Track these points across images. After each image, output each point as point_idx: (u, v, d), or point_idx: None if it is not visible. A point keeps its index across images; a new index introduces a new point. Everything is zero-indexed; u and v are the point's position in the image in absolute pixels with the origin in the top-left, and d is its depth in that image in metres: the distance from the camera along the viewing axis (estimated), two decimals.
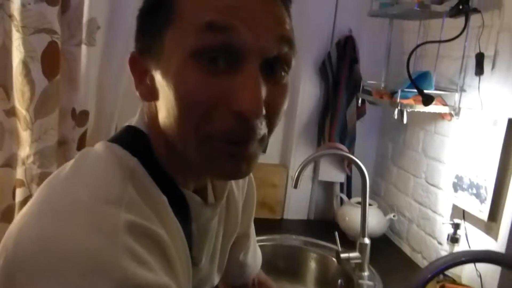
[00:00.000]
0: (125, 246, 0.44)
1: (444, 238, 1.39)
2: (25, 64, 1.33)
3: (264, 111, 0.48)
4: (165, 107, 0.52)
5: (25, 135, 1.39)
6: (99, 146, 0.56)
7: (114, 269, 0.42)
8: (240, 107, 0.47)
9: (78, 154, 0.56)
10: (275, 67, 0.51)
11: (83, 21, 1.40)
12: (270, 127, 0.53)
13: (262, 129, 0.51)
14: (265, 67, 0.50)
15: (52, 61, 1.36)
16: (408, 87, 1.34)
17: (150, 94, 0.55)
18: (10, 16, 1.29)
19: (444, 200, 1.42)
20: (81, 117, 1.48)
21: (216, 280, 0.76)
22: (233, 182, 0.74)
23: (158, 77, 0.52)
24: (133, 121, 0.60)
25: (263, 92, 0.48)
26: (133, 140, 0.57)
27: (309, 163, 1.37)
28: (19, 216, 0.49)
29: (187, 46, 0.48)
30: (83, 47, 1.43)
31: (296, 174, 1.34)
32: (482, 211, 1.18)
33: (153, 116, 0.56)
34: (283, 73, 0.52)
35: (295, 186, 1.35)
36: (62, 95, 1.43)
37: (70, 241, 0.43)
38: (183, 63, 0.49)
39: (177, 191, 0.57)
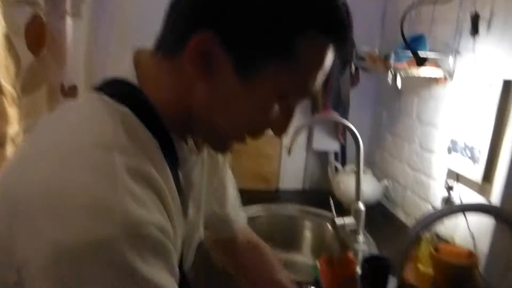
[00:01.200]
0: (125, 187, 0.46)
1: (438, 202, 1.39)
2: (7, 38, 1.29)
3: None
4: (213, 96, 0.56)
5: (12, 111, 1.37)
6: (82, 97, 0.57)
7: (117, 210, 0.44)
8: (277, 133, 0.62)
9: (64, 105, 0.57)
10: None
11: None
12: None
13: None
14: None
15: (36, 35, 1.33)
16: (402, 51, 1.32)
17: (207, 70, 0.54)
18: None
19: (438, 164, 1.42)
20: (70, 92, 1.46)
21: (202, 233, 0.77)
22: None
23: (231, 79, 0.54)
24: (118, 74, 0.59)
25: None
26: (120, 88, 0.57)
27: (302, 129, 1.36)
28: (13, 163, 0.52)
29: (285, 91, 0.56)
30: (69, 20, 1.39)
31: (290, 141, 1.33)
32: (476, 173, 1.18)
33: (173, 81, 0.57)
34: None
35: (289, 153, 1.34)
36: (49, 70, 1.40)
37: (73, 184, 0.45)
38: (272, 93, 0.56)
39: (167, 136, 0.58)
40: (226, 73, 0.54)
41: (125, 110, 0.53)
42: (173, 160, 0.58)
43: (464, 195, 1.27)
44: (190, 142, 0.66)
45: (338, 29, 0.56)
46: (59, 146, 0.49)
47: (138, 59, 0.59)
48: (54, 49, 1.39)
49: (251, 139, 0.62)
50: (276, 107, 0.58)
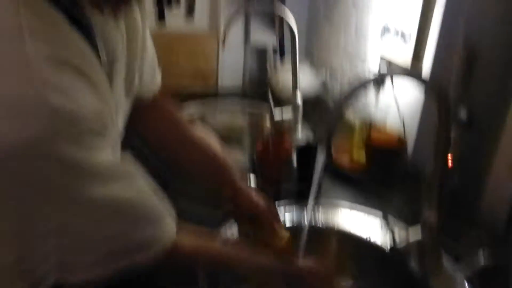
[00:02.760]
0: (43, 79, 0.43)
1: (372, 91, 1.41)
2: None
3: None
4: None
5: None
6: None
7: (39, 105, 0.42)
8: None
9: None
10: None
11: None
12: None
13: None
14: None
15: None
16: None
17: None
18: None
19: (373, 50, 1.41)
20: None
21: (126, 105, 0.71)
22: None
23: None
24: None
25: None
26: None
27: (236, 16, 1.29)
28: None
29: None
30: None
31: (223, 30, 1.28)
32: (407, 55, 1.18)
33: None
34: None
35: (223, 43, 1.29)
36: None
37: None
38: None
39: (76, 8, 0.52)
40: None
41: None
42: (89, 31, 0.53)
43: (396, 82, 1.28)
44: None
45: None
46: None
47: None
48: None
49: None
50: None
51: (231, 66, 1.84)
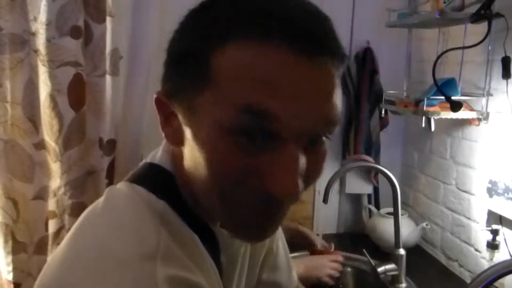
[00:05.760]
0: None
1: (481, 245, 1.37)
2: (52, 97, 1.35)
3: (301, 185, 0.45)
4: (192, 160, 0.49)
5: (55, 166, 1.41)
6: (124, 188, 0.53)
7: None
8: (273, 190, 0.44)
9: (106, 195, 0.53)
10: (317, 140, 0.48)
11: (106, 52, 1.43)
12: (307, 187, 0.49)
13: (296, 199, 0.46)
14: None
15: (78, 93, 1.39)
16: (433, 95, 1.34)
17: (177, 138, 0.51)
18: (36, 51, 1.32)
19: (479, 206, 1.40)
20: (108, 146, 1.50)
21: None
22: None
23: (187, 130, 0.49)
24: (156, 157, 0.57)
25: (301, 165, 0.45)
26: (157, 180, 0.55)
27: (338, 176, 1.37)
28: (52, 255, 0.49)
29: (224, 121, 0.44)
30: (107, 77, 1.45)
31: (325, 188, 1.33)
32: None
33: (178, 157, 0.53)
34: (324, 139, 0.49)
35: (325, 201, 1.34)
36: (89, 126, 1.45)
37: None
38: (218, 134, 0.45)
39: (206, 227, 0.55)
40: (181, 123, 0.50)
41: (165, 208, 0.51)
42: (214, 249, 0.56)
43: (509, 239, 1.24)
44: None
45: (262, 25, 0.43)
46: (103, 254, 0.45)
47: None
48: (94, 105, 1.44)
49: (255, 205, 0.48)
50: (253, 158, 0.45)
51: (326, 214, 1.87)
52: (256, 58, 0.43)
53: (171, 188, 0.54)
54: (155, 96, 0.52)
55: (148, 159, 0.59)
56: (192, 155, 0.49)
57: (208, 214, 0.55)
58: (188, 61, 0.47)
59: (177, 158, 0.54)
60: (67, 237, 0.50)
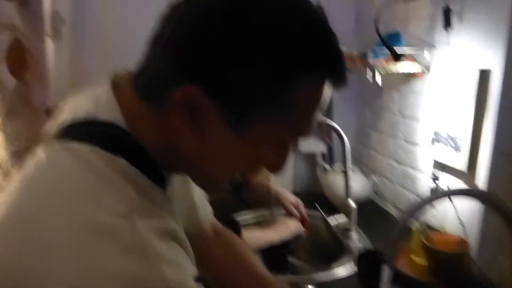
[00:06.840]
0: (157, 254, 0.44)
1: (427, 194, 1.42)
2: None
3: None
4: (212, 153, 0.54)
5: None
6: (75, 148, 0.50)
7: (158, 282, 0.43)
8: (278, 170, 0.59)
9: (48, 159, 0.50)
10: None
11: (44, 14, 1.37)
12: None
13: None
14: None
15: (18, 59, 1.34)
16: (379, 49, 1.36)
17: (193, 127, 0.52)
18: None
19: (424, 156, 1.45)
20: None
21: None
22: None
23: (224, 130, 0.52)
24: (99, 114, 0.54)
25: None
26: (106, 136, 0.52)
27: None
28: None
29: (284, 140, 0.56)
30: (49, 42, 1.40)
31: None
32: (460, 162, 1.21)
33: (143, 119, 0.53)
34: None
35: None
36: (33, 94, 1.40)
37: (106, 265, 0.42)
38: (269, 147, 0.55)
39: (158, 172, 0.55)
40: (215, 125, 0.51)
41: (124, 163, 0.50)
42: (164, 188, 0.58)
43: (450, 184, 1.30)
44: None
45: (335, 66, 0.54)
46: (76, 227, 0.43)
47: (119, 92, 0.55)
48: (37, 71, 1.39)
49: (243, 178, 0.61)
50: (271, 150, 0.56)
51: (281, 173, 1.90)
52: (321, 92, 0.53)
53: (126, 141, 0.52)
54: (185, 87, 0.49)
55: (78, 114, 0.55)
56: (209, 143, 0.53)
57: (166, 166, 0.56)
58: (261, 79, 0.49)
59: (139, 120, 0.53)
60: (7, 215, 0.46)
